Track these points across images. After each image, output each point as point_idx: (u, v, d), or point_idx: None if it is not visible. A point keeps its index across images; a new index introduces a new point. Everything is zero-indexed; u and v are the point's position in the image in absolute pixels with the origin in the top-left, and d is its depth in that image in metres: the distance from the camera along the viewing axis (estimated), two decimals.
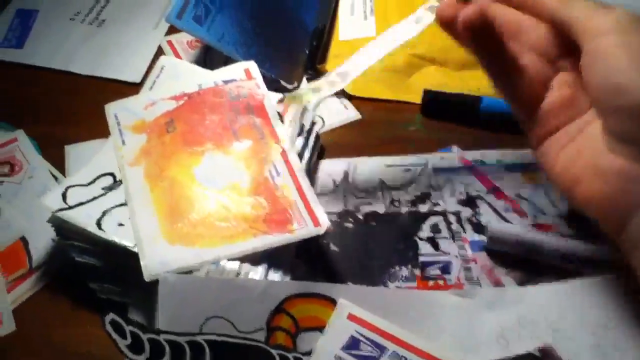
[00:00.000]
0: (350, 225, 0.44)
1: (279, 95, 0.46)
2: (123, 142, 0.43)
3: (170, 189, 0.40)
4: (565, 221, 0.43)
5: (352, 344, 0.35)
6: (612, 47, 0.29)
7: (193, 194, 0.40)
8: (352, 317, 0.35)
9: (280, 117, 0.45)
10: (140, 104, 0.45)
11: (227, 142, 0.43)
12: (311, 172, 0.46)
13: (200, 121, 0.44)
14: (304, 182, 0.41)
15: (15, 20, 0.59)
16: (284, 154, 0.43)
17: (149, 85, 0.47)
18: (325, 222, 0.39)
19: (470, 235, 0.44)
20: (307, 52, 0.54)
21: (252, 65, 0.47)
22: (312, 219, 0.39)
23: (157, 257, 0.36)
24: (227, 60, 0.52)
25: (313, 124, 0.47)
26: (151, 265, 0.36)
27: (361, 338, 0.35)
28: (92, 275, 0.39)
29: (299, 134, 0.45)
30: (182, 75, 0.48)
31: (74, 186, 0.40)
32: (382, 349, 0.34)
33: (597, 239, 0.39)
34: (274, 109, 0.45)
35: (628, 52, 0.29)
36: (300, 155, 0.44)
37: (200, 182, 0.41)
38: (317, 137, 0.48)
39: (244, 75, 0.47)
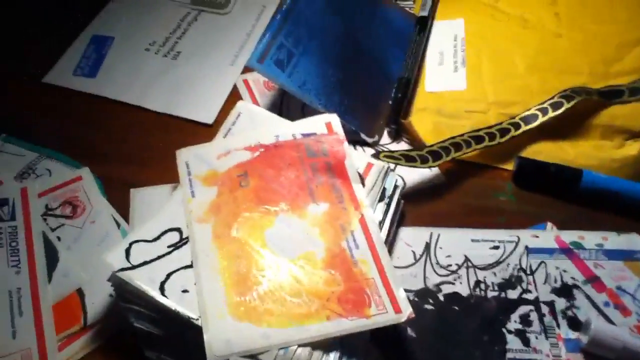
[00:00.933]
0: (429, 307, 0.40)
1: (362, 154, 0.42)
2: (192, 194, 0.40)
3: (239, 254, 0.37)
4: None
5: None
6: None
7: (264, 262, 0.37)
8: None
9: (362, 179, 0.41)
10: (213, 152, 0.43)
11: (303, 203, 0.40)
12: (391, 242, 0.42)
13: (275, 177, 0.41)
14: (385, 258, 0.37)
15: (90, 47, 0.58)
16: (363, 222, 0.39)
17: (224, 132, 0.45)
18: (406, 309, 0.35)
19: (565, 331, 0.39)
20: (390, 104, 0.50)
21: (334, 119, 0.44)
22: (392, 303, 0.35)
23: (222, 334, 0.33)
24: (304, 107, 0.49)
25: (396, 187, 0.43)
26: (215, 343, 0.33)
27: None
28: (150, 343, 0.36)
29: (380, 199, 0.41)
30: (259, 123, 0.45)
31: (138, 241, 0.37)
32: None
33: None
34: (355, 169, 0.41)
35: None
36: (381, 224, 0.40)
37: (272, 248, 0.37)
38: (399, 203, 0.44)
39: (324, 128, 0.44)
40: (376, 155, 0.44)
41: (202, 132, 0.49)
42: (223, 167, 0.42)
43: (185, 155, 0.42)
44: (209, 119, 0.50)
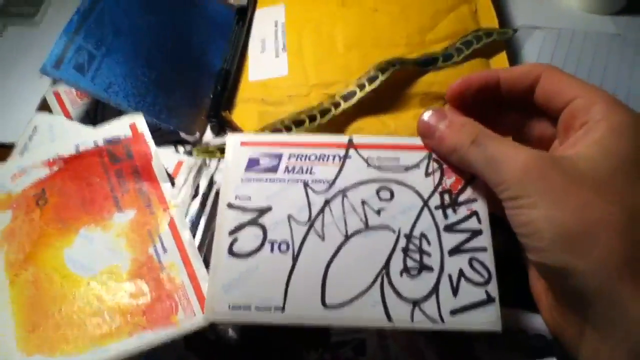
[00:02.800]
0: None
1: (173, 152, 0.40)
2: None
3: (33, 282, 0.34)
4: None
5: (250, 163, 0.34)
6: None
7: (61, 285, 0.34)
8: (244, 144, 0.35)
9: (171, 178, 0.39)
10: (6, 173, 0.39)
11: (107, 214, 0.37)
12: (209, 243, 0.40)
13: (77, 191, 0.38)
14: (196, 259, 0.36)
15: None
16: (172, 224, 0.37)
17: (20, 149, 0.41)
18: (216, 309, 0.33)
19: None
20: (211, 96, 0.49)
21: (138, 119, 0.42)
22: (202, 305, 0.34)
23: None
24: (121, 112, 0.47)
25: (212, 182, 0.41)
26: None
27: (258, 156, 0.34)
28: None
29: (194, 196, 0.40)
30: (60, 135, 0.42)
31: None
32: (279, 156, 0.34)
33: None
34: (162, 169, 0.39)
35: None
36: (195, 224, 0.39)
37: (71, 268, 0.35)
38: (218, 196, 0.42)
39: (129, 131, 0.41)
40: (189, 152, 0.42)
41: (6, 154, 0.45)
42: (18, 188, 0.39)
43: None
44: (15, 137, 0.46)
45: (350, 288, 0.30)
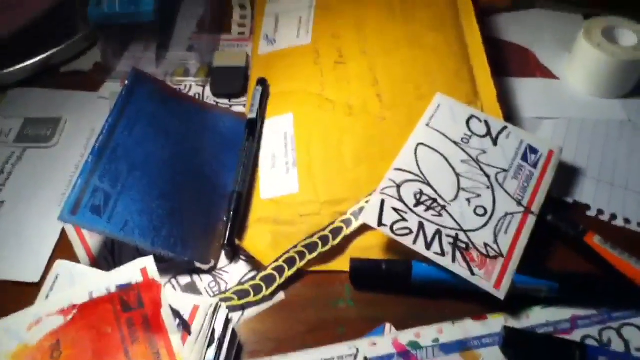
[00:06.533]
0: None
1: (187, 297, 0.41)
2: None
3: None
4: None
5: None
6: None
7: None
8: None
9: (187, 325, 0.40)
10: (23, 322, 0.40)
11: None
12: None
13: (90, 341, 0.40)
14: None
15: None
16: None
17: (43, 297, 0.42)
18: None
19: None
20: (224, 220, 0.49)
21: (149, 263, 0.43)
22: None
23: None
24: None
25: (228, 323, 0.42)
26: None
27: None
28: None
29: (210, 343, 0.40)
30: (77, 281, 0.43)
31: None
32: None
33: None
34: (172, 319, 0.40)
35: None
36: None
37: None
38: (235, 338, 0.43)
39: (140, 276, 0.42)
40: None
41: (28, 292, 0.46)
42: (34, 338, 0.40)
43: None
44: (35, 277, 0.47)
45: None
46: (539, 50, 0.68)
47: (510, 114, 0.60)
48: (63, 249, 0.50)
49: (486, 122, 0.52)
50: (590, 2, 0.73)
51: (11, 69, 0.65)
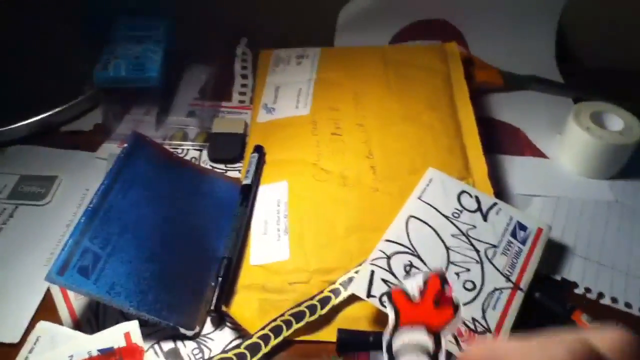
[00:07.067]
0: None
1: None
2: None
3: None
4: None
5: None
6: None
7: None
8: None
9: None
10: None
11: None
12: None
13: None
14: None
15: None
16: None
17: (22, 359, 0.41)
18: None
19: None
20: (212, 285, 0.49)
21: (133, 328, 0.42)
22: None
23: None
24: None
25: None
26: None
27: None
28: None
29: None
30: (58, 343, 0.42)
31: None
32: None
33: None
34: None
35: None
36: None
37: None
38: None
39: (123, 341, 0.41)
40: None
41: (6, 353, 0.45)
42: None
43: None
44: (15, 338, 0.46)
45: None
46: (530, 130, 0.70)
47: (500, 191, 0.61)
48: (46, 310, 0.49)
49: (477, 198, 0.53)
50: (579, 86, 0.76)
51: (13, 126, 0.66)
